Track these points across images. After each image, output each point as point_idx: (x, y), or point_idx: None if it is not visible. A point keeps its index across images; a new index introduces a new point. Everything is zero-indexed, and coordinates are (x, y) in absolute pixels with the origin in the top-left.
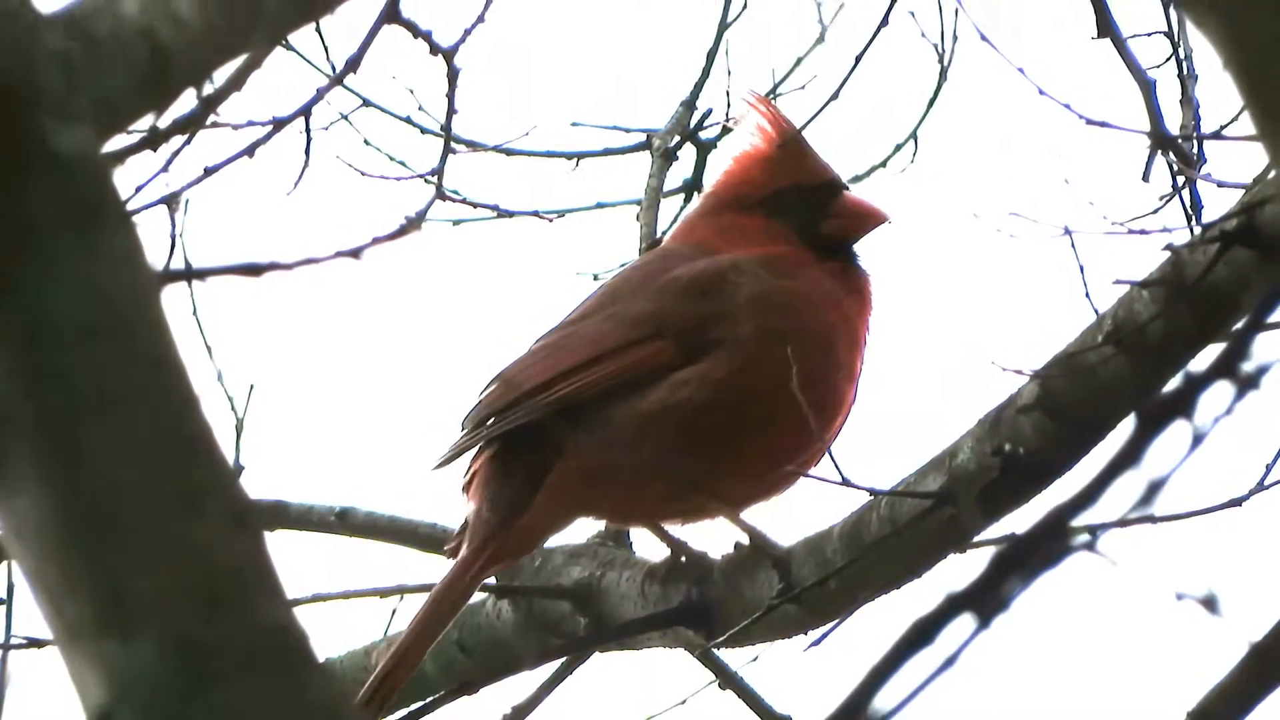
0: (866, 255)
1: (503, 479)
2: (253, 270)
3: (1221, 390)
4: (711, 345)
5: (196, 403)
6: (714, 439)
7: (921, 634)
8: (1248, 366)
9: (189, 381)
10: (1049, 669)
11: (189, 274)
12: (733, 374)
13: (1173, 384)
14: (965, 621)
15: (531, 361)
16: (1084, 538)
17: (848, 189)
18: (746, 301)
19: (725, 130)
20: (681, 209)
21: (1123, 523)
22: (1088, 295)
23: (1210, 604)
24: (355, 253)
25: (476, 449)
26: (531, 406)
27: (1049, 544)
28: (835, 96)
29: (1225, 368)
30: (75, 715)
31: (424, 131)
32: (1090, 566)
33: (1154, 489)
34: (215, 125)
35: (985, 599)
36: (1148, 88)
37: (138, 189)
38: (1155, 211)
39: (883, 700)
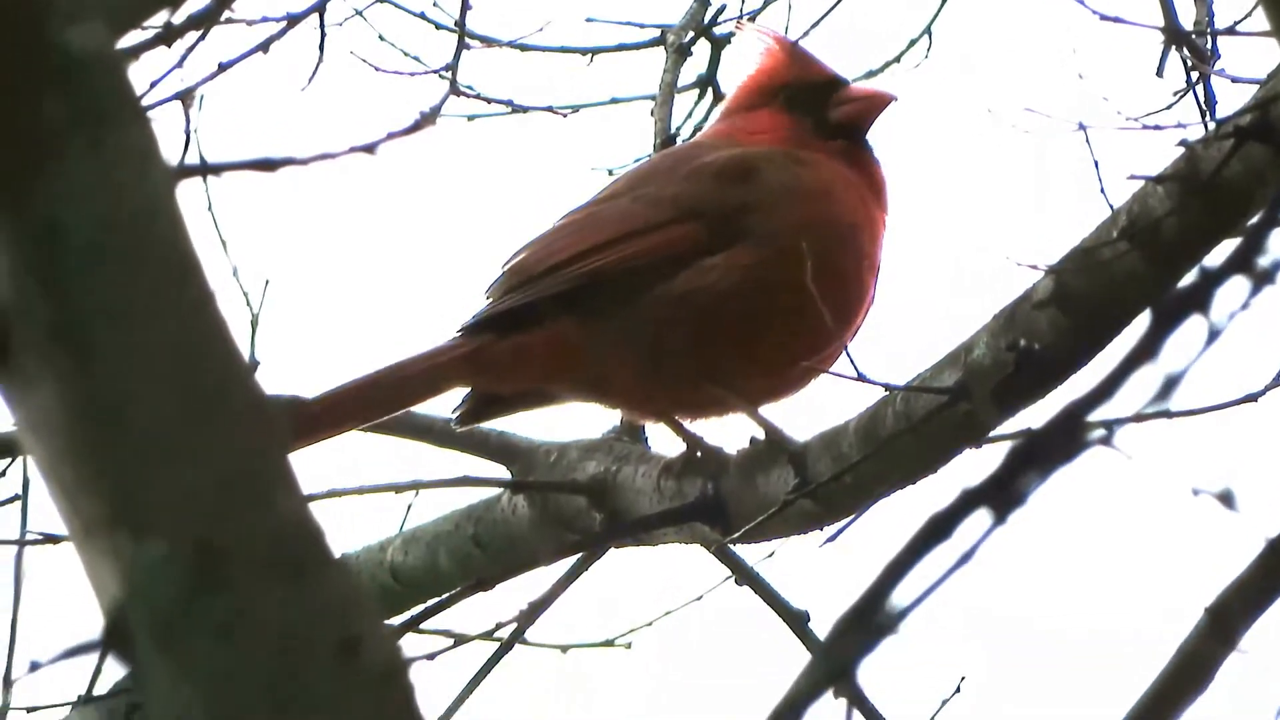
0: (878, 144)
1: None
2: (268, 165)
3: (1237, 285)
4: (740, 233)
5: (212, 299)
6: (736, 328)
7: (938, 529)
8: (1263, 261)
9: (205, 278)
10: (1065, 565)
11: (204, 169)
12: (760, 263)
13: (1188, 279)
14: (981, 516)
15: (555, 238)
16: (1100, 432)
17: (850, 83)
18: (776, 191)
19: (738, 27)
20: (695, 104)
21: (1139, 418)
22: (1102, 191)
23: (1227, 499)
24: (370, 148)
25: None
26: (554, 281)
27: (1064, 439)
28: None
29: (1241, 262)
30: (90, 610)
31: (438, 27)
32: (1106, 461)
33: (1170, 384)
34: (229, 21)
35: (1001, 494)
36: None
37: (152, 85)
38: (1169, 107)
39: (899, 595)
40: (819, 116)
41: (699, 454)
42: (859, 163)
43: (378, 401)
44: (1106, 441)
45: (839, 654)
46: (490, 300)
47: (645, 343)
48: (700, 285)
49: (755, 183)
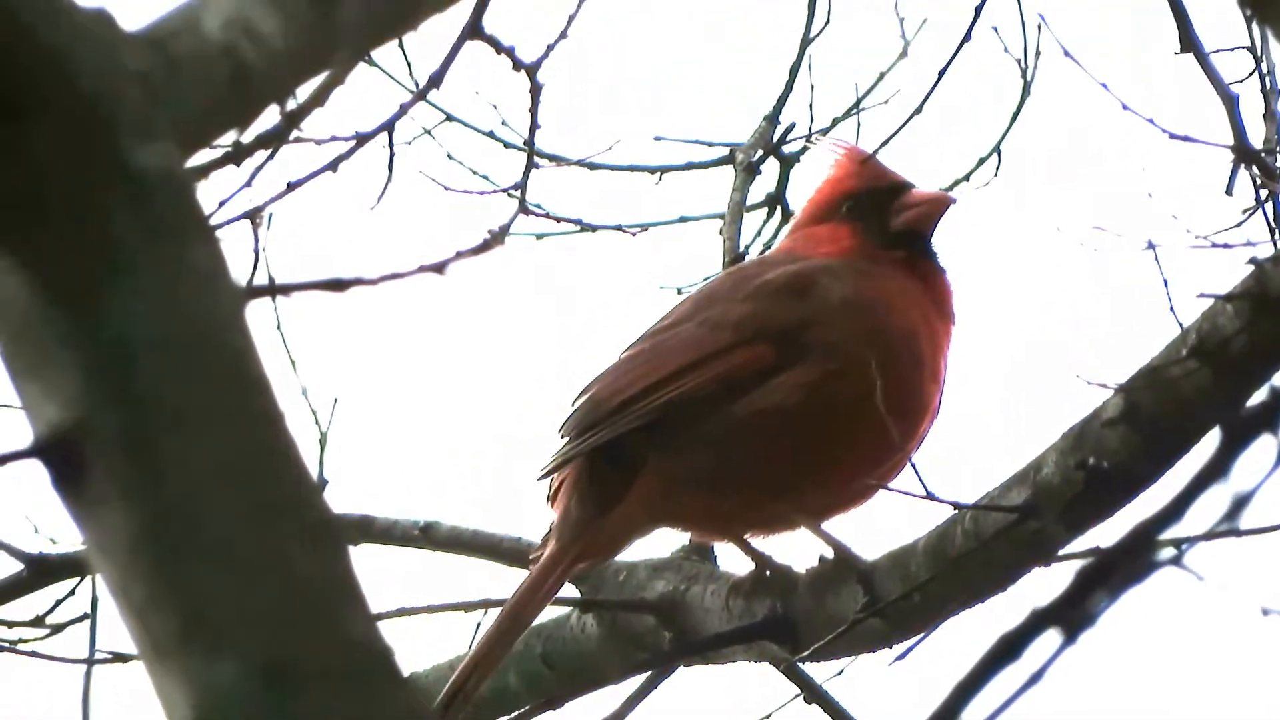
0: (944, 255)
1: (589, 484)
2: (337, 285)
3: None
4: (804, 350)
5: (280, 417)
6: (803, 446)
7: (1008, 649)
8: None
9: (273, 396)
10: (1135, 685)
11: (273, 289)
12: (823, 379)
13: (1258, 398)
14: (1051, 636)
15: (622, 371)
16: (1170, 552)
17: (915, 187)
18: (837, 304)
19: (808, 145)
20: (764, 222)
21: (1209, 536)
22: (1172, 309)
23: None
24: (439, 267)
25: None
26: (627, 417)
27: (1135, 558)
28: (919, 111)
29: None
30: None
31: (507, 146)
32: (1176, 581)
33: (1240, 503)
34: (298, 140)
35: (1071, 614)
36: (1230, 102)
37: (221, 204)
38: (1238, 225)
39: (970, 715)
40: (882, 225)
41: (768, 573)
42: (922, 272)
43: (515, 635)
44: (1177, 561)
45: None
46: (565, 439)
47: (714, 465)
48: (765, 405)
49: (814, 297)
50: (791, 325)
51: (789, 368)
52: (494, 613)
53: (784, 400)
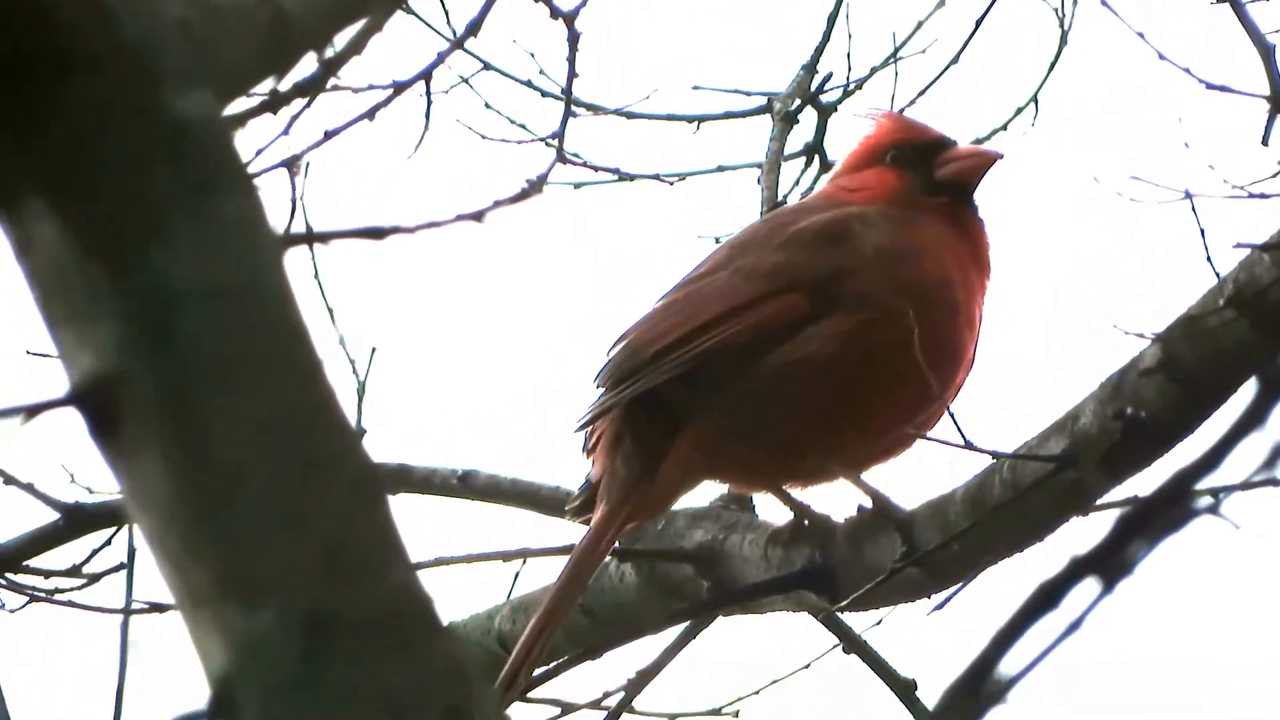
0: (985, 207)
1: (634, 440)
2: (375, 234)
3: None
4: (838, 299)
5: (320, 367)
6: (839, 396)
7: (1046, 597)
8: None
9: (312, 346)
10: (1173, 633)
11: (310, 237)
12: (859, 328)
13: None
14: (1090, 585)
15: (659, 320)
16: (1208, 501)
17: (957, 143)
18: (872, 253)
19: (846, 94)
20: (803, 172)
21: (1246, 485)
22: (1209, 259)
23: None
24: (477, 215)
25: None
26: (662, 367)
27: (1172, 507)
28: (956, 60)
29: None
30: (197, 680)
31: (544, 95)
32: (1215, 530)
33: (1278, 452)
34: (336, 89)
35: (1110, 562)
36: (1267, 52)
37: (258, 152)
38: (1275, 175)
39: (1009, 664)
40: (926, 174)
41: (806, 522)
42: (961, 222)
43: (573, 601)
44: (1214, 510)
45: None
46: (602, 390)
47: (753, 418)
48: (801, 355)
49: (848, 245)
50: (825, 274)
51: (824, 317)
52: (533, 562)
53: (819, 350)
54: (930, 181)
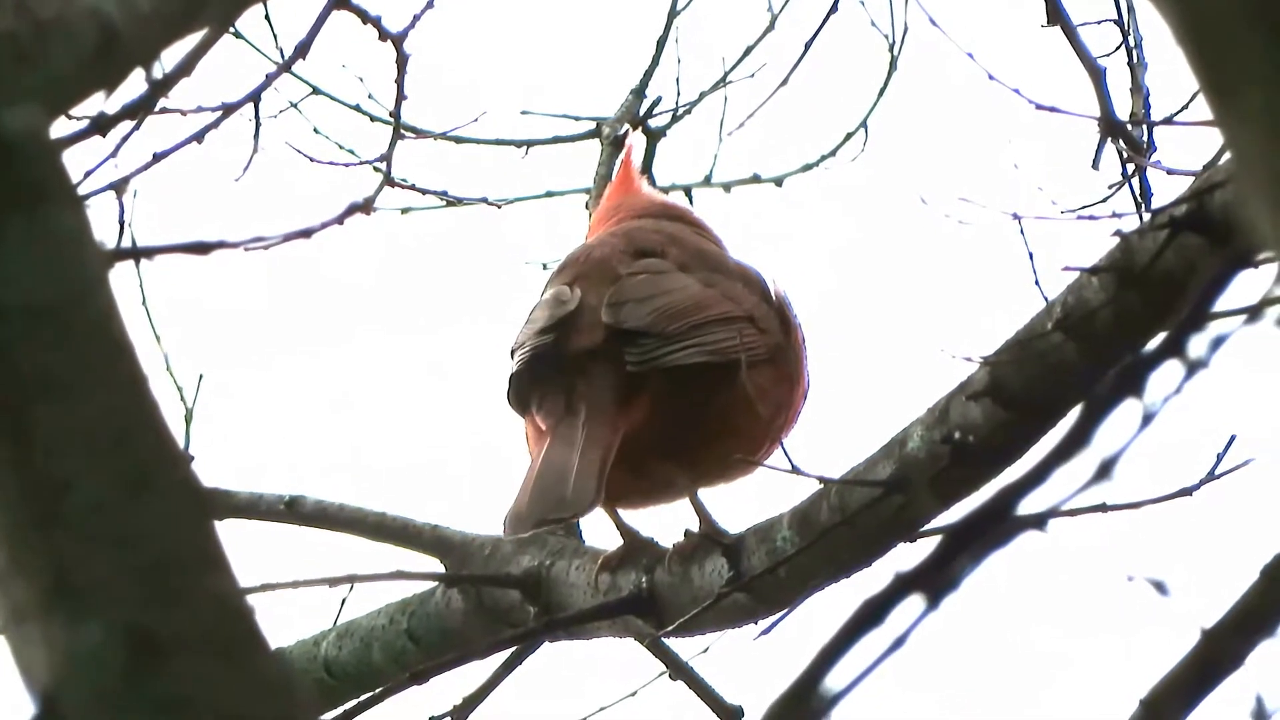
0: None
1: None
2: (201, 249)
3: (1171, 370)
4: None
5: (146, 383)
6: (735, 431)
7: (871, 614)
8: (1196, 346)
9: (137, 360)
10: (1000, 650)
11: (136, 252)
12: (777, 379)
13: (1122, 365)
14: (915, 601)
15: (700, 292)
16: (1031, 516)
17: None
18: (778, 308)
19: (675, 118)
20: None
21: (1072, 513)
22: (1037, 281)
23: (1160, 586)
24: (305, 233)
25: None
26: (718, 346)
27: (997, 524)
28: (784, 83)
29: (1174, 347)
30: (20, 698)
31: (373, 119)
32: (1042, 547)
33: (1105, 467)
34: (164, 111)
35: (935, 579)
36: (1098, 75)
37: (86, 174)
38: (1105, 200)
39: (833, 680)
40: None
41: (634, 547)
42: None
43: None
44: (1038, 526)
45: None
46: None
47: (689, 426)
48: (744, 394)
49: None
50: (763, 323)
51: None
52: (360, 588)
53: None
54: None
